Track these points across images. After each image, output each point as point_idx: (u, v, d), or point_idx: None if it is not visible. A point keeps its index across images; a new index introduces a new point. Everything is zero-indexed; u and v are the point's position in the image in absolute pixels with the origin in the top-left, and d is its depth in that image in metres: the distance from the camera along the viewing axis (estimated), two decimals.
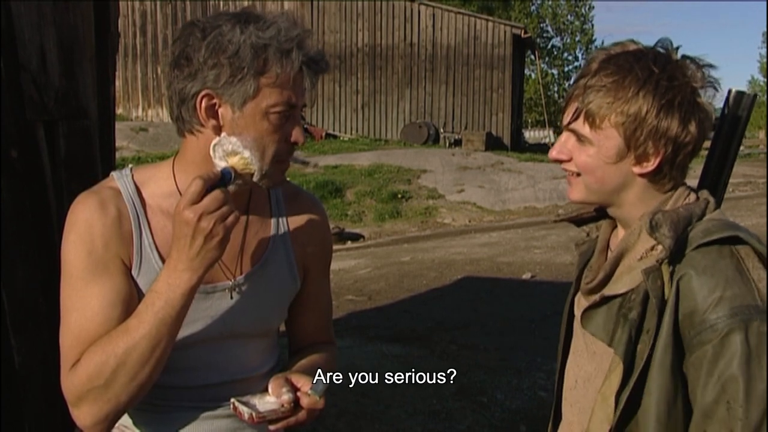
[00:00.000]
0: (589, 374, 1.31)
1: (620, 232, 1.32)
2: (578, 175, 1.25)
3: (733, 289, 1.12)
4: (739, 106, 1.32)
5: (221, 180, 1.21)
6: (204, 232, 1.18)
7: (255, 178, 1.29)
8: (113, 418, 1.26)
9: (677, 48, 1.23)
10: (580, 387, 1.34)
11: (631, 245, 1.25)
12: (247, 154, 1.26)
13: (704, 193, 1.26)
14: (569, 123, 1.23)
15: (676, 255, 1.17)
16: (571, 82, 1.29)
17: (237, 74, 1.22)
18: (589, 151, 1.22)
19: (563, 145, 1.26)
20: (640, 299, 1.18)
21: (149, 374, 1.23)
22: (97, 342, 1.24)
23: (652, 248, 1.21)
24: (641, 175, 1.22)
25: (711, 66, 1.21)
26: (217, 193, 1.19)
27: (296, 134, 1.29)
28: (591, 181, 1.24)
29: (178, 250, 1.20)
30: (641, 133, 1.17)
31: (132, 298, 1.28)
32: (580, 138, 1.23)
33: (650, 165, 1.20)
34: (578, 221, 1.41)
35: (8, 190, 2.10)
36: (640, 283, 1.19)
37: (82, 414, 1.25)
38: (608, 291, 1.24)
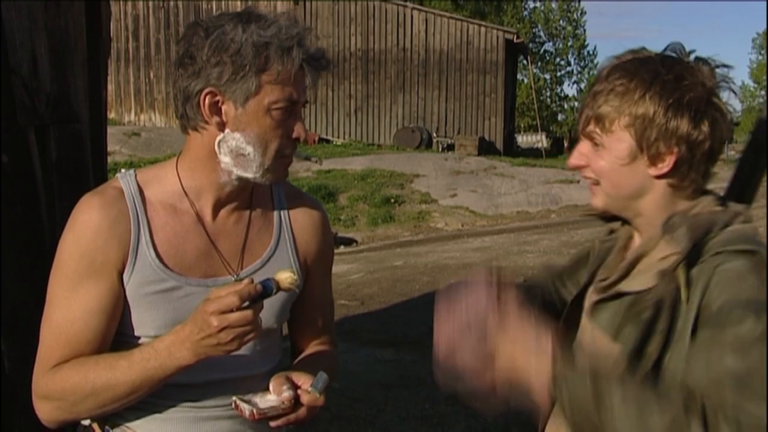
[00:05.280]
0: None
1: (637, 239, 1.31)
2: (597, 183, 1.26)
3: (752, 292, 1.09)
4: None
5: (261, 294, 1.21)
6: (219, 340, 1.20)
7: (257, 174, 1.33)
8: (68, 425, 1.36)
9: (690, 52, 1.24)
10: None
11: (649, 250, 1.23)
12: (249, 150, 1.30)
13: (736, 206, 1.24)
14: (583, 129, 1.25)
15: (693, 260, 1.15)
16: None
17: (239, 72, 1.26)
18: (604, 156, 1.23)
19: (580, 151, 1.27)
20: (654, 301, 1.16)
21: (116, 408, 1.31)
22: (81, 361, 1.30)
23: (671, 254, 1.19)
24: (658, 177, 1.21)
25: (726, 66, 1.22)
26: (247, 313, 1.19)
27: (298, 130, 1.33)
28: (608, 186, 1.25)
29: (192, 332, 1.22)
30: (651, 133, 1.18)
31: (115, 308, 1.32)
32: (594, 143, 1.24)
33: (665, 166, 1.19)
34: (607, 217, 1.39)
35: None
36: (656, 284, 1.17)
37: (43, 410, 1.33)
38: (624, 287, 1.23)
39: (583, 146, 1.27)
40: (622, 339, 1.19)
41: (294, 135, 1.33)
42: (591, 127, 1.23)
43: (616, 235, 1.39)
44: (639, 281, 1.22)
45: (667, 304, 1.14)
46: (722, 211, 1.21)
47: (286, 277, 1.24)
